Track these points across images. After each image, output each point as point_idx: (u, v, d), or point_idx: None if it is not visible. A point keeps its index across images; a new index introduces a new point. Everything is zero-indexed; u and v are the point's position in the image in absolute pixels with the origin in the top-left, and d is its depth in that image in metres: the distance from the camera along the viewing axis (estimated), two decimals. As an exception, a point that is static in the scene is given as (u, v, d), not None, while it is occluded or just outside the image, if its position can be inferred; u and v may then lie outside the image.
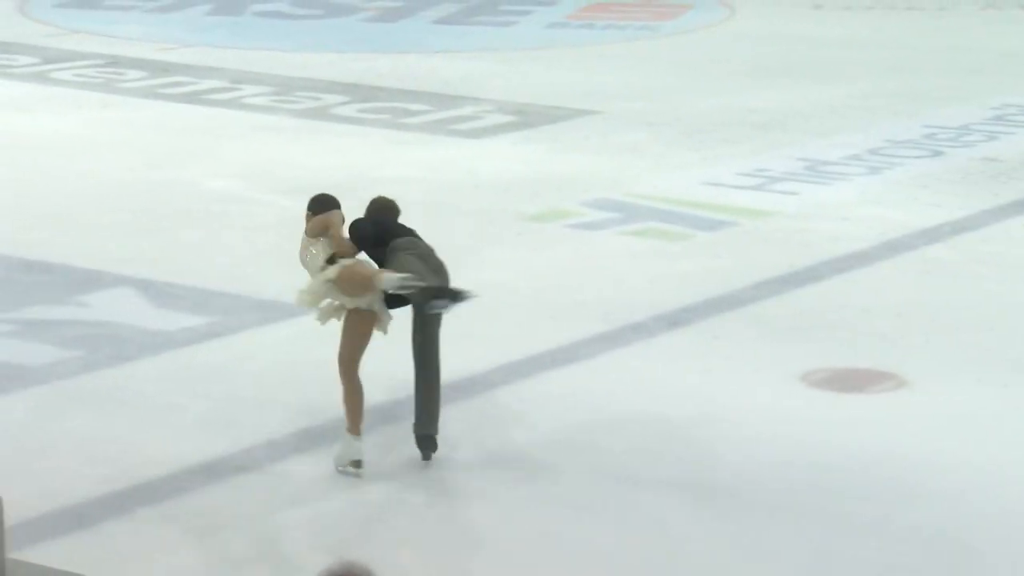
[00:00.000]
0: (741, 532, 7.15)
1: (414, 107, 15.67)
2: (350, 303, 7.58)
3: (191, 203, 12.23)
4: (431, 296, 7.41)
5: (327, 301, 7.68)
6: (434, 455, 7.67)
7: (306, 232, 7.76)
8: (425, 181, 12.50)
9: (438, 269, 7.63)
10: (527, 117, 15.18)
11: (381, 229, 7.75)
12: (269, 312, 9.76)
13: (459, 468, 7.71)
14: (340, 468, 7.58)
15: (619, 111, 15.44)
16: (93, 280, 10.32)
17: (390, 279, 7.43)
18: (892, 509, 7.36)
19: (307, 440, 7.98)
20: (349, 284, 7.54)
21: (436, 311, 7.50)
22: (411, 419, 7.75)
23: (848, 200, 12.44)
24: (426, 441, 7.66)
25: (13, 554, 6.40)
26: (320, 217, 7.76)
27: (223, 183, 12.82)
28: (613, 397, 8.51)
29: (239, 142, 14.27)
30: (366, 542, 7.04)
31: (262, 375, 8.78)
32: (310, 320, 9.27)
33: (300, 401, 8.39)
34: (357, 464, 7.55)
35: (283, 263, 10.57)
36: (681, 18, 21.23)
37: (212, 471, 7.64)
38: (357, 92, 16.36)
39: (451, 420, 7.96)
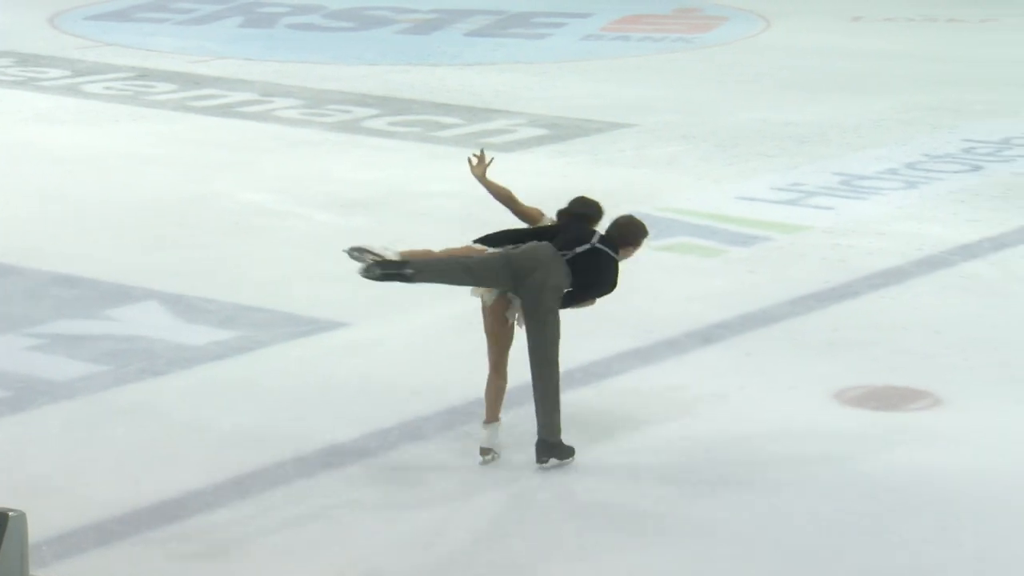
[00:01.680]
0: (777, 551, 7.16)
1: (446, 120, 15.74)
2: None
3: (221, 217, 12.32)
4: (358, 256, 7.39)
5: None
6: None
7: None
8: (458, 195, 12.55)
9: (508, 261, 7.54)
10: (560, 130, 15.23)
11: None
12: (301, 326, 9.83)
13: (494, 485, 7.74)
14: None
15: (654, 124, 15.48)
16: (123, 294, 10.40)
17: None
18: (931, 529, 7.35)
19: (338, 456, 8.02)
20: None
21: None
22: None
23: (885, 215, 12.43)
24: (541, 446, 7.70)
25: (37, 571, 6.46)
26: None
27: (254, 196, 12.91)
28: (646, 414, 8.53)
29: (270, 155, 14.37)
30: (400, 561, 7.08)
31: (293, 390, 8.84)
32: (342, 334, 9.34)
33: (332, 416, 8.44)
34: (485, 451, 7.78)
35: (315, 277, 10.69)
36: (717, 30, 21.27)
37: (242, 487, 7.69)
38: (389, 105, 16.44)
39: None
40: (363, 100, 16.66)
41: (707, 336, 9.70)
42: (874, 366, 9.27)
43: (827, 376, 9.06)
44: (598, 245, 7.77)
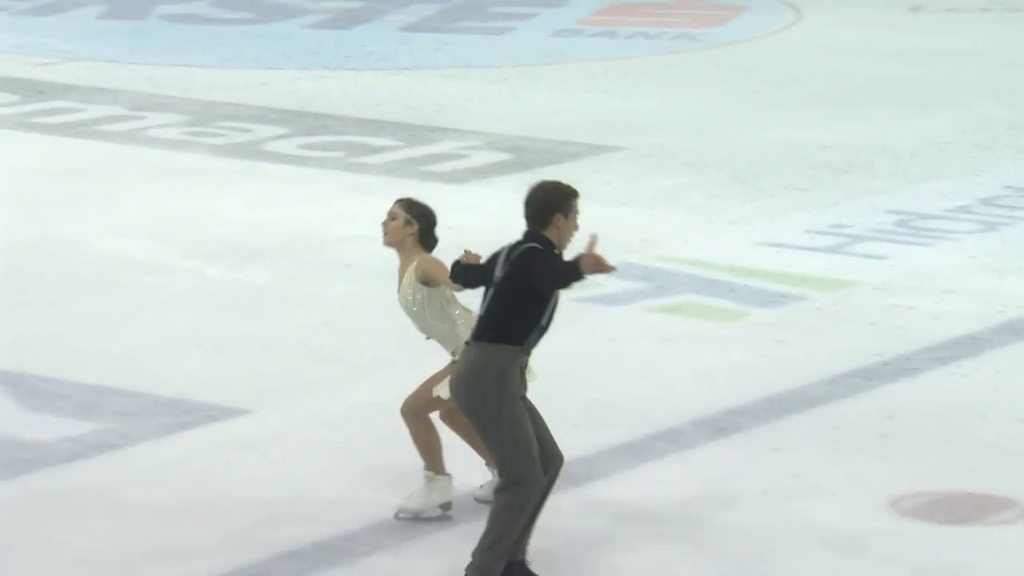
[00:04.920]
0: None
1: (375, 142, 15.79)
2: None
3: (77, 270, 12.31)
4: None
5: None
6: None
7: None
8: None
9: None
10: (526, 155, 15.30)
11: None
12: (183, 415, 9.80)
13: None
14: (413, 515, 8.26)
15: (650, 148, 15.57)
16: (-57, 373, 10.38)
17: None
18: None
19: (230, 587, 8.02)
20: None
21: None
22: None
23: (955, 266, 12.53)
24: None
25: None
26: None
27: (120, 243, 12.90)
28: (639, 525, 8.53)
29: (140, 188, 14.38)
30: None
31: (171, 501, 8.81)
32: (238, 424, 9.32)
33: (221, 536, 8.41)
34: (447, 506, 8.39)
35: (203, 349, 10.68)
36: (731, 23, 21.41)
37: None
38: (300, 122, 16.49)
39: (441, 546, 8.08)
40: (264, 116, 16.71)
41: (720, 426, 9.73)
42: (941, 466, 9.31)
43: (880, 479, 9.09)
44: (524, 247, 7.88)
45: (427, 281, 8.48)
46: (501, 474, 7.85)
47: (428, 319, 8.48)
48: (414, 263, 8.50)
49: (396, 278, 8.55)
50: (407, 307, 8.51)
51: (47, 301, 11.69)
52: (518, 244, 7.88)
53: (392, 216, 8.54)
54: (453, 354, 8.37)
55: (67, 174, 14.84)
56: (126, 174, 14.82)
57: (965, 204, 14.00)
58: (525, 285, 7.78)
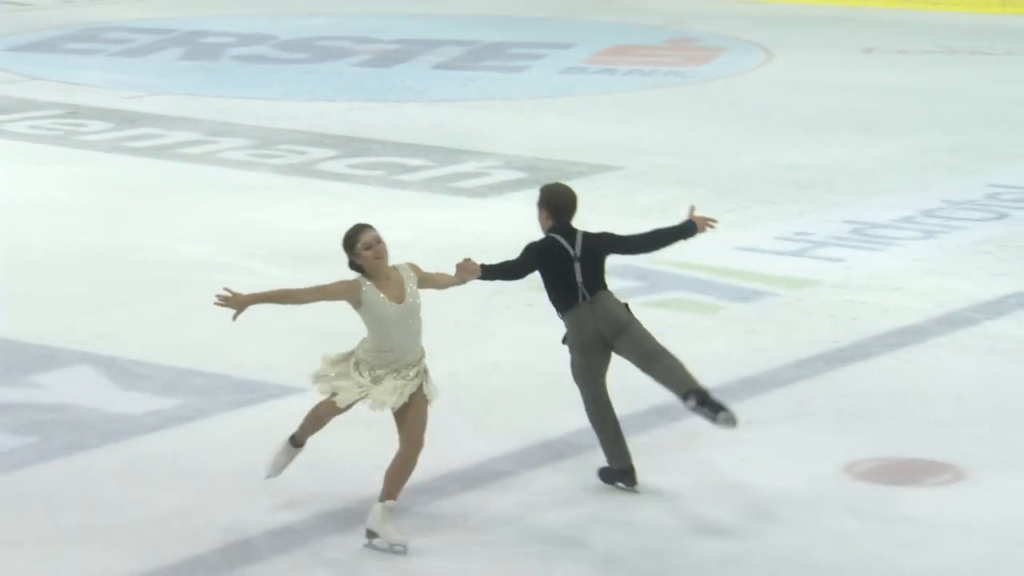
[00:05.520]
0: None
1: (412, 162, 15.80)
2: None
3: (160, 272, 12.33)
4: None
5: None
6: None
7: None
8: (424, 245, 12.58)
9: None
10: (539, 173, 15.29)
11: None
12: (248, 393, 9.82)
13: (470, 563, 7.74)
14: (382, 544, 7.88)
15: (644, 167, 15.56)
16: (49, 358, 10.39)
17: None
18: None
19: (287, 540, 8.01)
20: None
21: None
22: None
23: (901, 268, 12.50)
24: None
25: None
26: None
27: (196, 248, 12.93)
28: (634, 490, 8.53)
29: (214, 202, 14.40)
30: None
31: (238, 465, 8.82)
32: (295, 401, 9.33)
33: (282, 495, 8.42)
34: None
35: (264, 338, 10.68)
36: (713, 63, 21.41)
37: (179, 575, 7.67)
38: (347, 146, 16.50)
39: (457, 511, 8.02)
40: (318, 140, 16.72)
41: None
42: (889, 437, 9.30)
43: (837, 447, 9.08)
44: (595, 232, 8.68)
45: (433, 285, 8.23)
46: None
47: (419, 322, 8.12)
48: (406, 272, 8.10)
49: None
50: (416, 312, 8.05)
51: (136, 297, 11.71)
52: (582, 232, 8.51)
53: (379, 239, 8.11)
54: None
55: (152, 190, 14.86)
56: (201, 190, 14.84)
57: (909, 215, 13.98)
58: (613, 251, 8.63)
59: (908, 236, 13.36)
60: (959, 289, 11.94)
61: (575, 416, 8.65)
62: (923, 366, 10.44)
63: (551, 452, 8.97)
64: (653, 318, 11.23)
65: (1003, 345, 10.87)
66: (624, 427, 8.62)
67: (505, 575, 7.70)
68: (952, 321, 11.28)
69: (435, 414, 8.10)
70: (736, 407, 9.04)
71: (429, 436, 7.97)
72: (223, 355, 10.40)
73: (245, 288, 8.03)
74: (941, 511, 8.37)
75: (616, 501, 8.40)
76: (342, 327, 10.83)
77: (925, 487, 8.70)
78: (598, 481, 8.52)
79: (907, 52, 21.69)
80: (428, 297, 8.27)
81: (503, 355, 10.44)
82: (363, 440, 8.76)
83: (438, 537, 7.96)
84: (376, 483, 8.08)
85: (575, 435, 9.00)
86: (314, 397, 8.28)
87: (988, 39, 22.68)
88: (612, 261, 8.21)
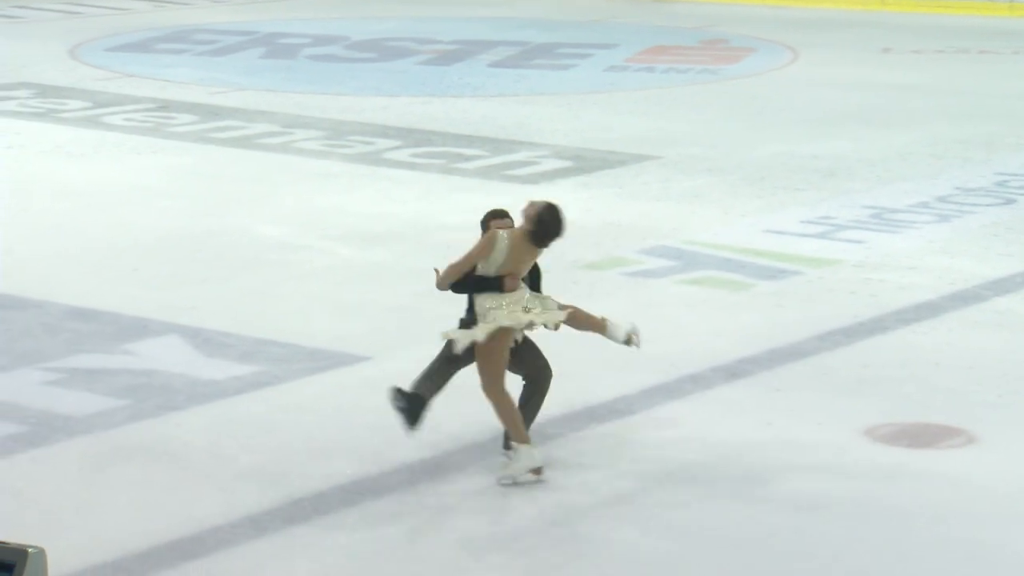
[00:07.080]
0: (804, 592, 7.11)
1: (469, 152, 15.77)
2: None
3: (241, 250, 12.34)
4: None
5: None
6: None
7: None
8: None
9: None
10: (584, 162, 15.24)
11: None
12: (321, 361, 9.83)
13: (514, 519, 7.72)
14: (514, 480, 7.90)
15: (679, 157, 15.48)
16: (141, 328, 10.42)
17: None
18: (963, 569, 7.29)
19: (358, 493, 8.00)
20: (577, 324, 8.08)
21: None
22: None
23: (916, 249, 12.40)
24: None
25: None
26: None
27: (274, 230, 12.94)
28: (671, 449, 8.49)
29: (290, 188, 14.41)
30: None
31: (313, 426, 8.83)
32: (363, 368, 9.31)
33: (352, 452, 8.42)
34: (538, 471, 7.93)
35: (335, 311, 10.69)
36: (743, 61, 21.28)
37: (260, 525, 7.68)
38: (410, 136, 16.48)
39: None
40: (384, 131, 16.71)
41: (734, 371, 9.66)
42: (905, 403, 9.22)
43: (857, 413, 9.01)
44: None
45: None
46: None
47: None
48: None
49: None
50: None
51: (220, 275, 11.73)
52: None
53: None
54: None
55: (234, 177, 14.88)
56: (279, 177, 14.85)
57: (924, 201, 13.86)
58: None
59: (923, 220, 13.25)
60: (970, 268, 11.83)
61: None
62: (937, 339, 10.34)
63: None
64: (687, 294, 11.23)
65: (1010, 320, 10.77)
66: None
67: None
68: (963, 297, 11.18)
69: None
70: (764, 375, 9.00)
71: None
72: (297, 327, 10.41)
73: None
74: (955, 471, 8.29)
75: (662, 454, 8.36)
76: (407, 302, 10.87)
77: (939, 449, 8.62)
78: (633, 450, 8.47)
79: (921, 52, 21.52)
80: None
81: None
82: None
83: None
84: (437, 444, 8.06)
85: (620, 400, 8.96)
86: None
87: (996, 39, 22.49)
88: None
